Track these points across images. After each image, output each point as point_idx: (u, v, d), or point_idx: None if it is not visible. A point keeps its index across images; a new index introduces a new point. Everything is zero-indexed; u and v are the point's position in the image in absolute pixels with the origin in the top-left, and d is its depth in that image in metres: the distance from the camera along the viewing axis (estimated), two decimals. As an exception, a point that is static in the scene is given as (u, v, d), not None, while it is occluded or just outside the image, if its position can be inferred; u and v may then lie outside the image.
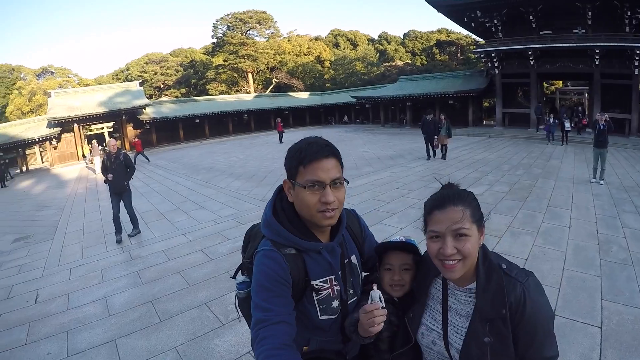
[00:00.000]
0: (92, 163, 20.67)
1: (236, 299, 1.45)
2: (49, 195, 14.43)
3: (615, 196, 7.83)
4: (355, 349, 1.43)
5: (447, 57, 51.28)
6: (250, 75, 49.90)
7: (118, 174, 7.06)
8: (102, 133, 28.40)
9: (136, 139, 24.27)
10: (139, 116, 28.44)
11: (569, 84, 31.47)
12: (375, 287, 1.18)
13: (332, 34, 62.40)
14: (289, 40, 54.40)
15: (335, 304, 1.32)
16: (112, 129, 29.11)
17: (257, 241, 1.37)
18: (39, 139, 24.69)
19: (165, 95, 51.48)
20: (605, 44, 17.91)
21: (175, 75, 54.31)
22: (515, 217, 6.53)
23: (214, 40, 52.31)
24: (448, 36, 52.70)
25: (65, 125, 25.28)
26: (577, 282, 4.10)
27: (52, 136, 25.01)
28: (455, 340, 1.17)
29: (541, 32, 21.01)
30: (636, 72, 17.58)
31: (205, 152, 23.95)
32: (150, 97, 44.90)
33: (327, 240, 1.34)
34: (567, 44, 19.24)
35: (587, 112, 21.75)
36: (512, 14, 21.40)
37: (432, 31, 55.39)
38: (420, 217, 1.23)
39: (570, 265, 4.55)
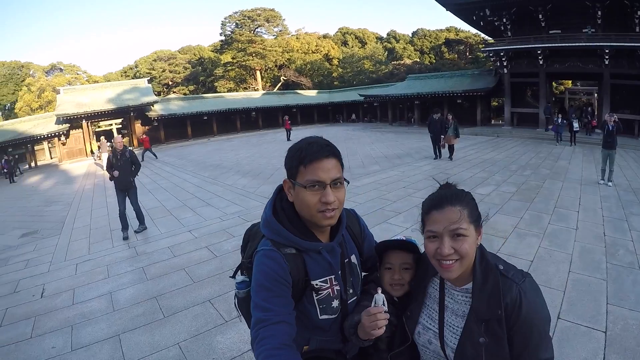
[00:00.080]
0: (100, 159, 20.84)
1: (235, 299, 1.45)
2: (57, 191, 14.59)
3: (623, 198, 7.74)
4: (355, 348, 1.42)
5: (456, 55, 51.04)
6: (258, 72, 49.93)
7: (124, 170, 7.10)
8: (111, 129, 28.62)
9: (144, 136, 24.43)
10: (147, 113, 28.63)
11: (578, 83, 31.15)
12: (379, 291, 1.18)
13: (340, 32, 62.23)
14: (297, 38, 54.39)
15: (335, 303, 1.33)
16: (120, 126, 29.34)
17: (256, 241, 1.37)
18: (47, 135, 24.95)
19: (174, 92, 51.80)
20: (615, 44, 17.69)
21: (184, 72, 54.59)
22: (521, 218, 6.48)
23: (222, 37, 52.36)
24: (457, 35, 52.42)
25: (73, 121, 25.50)
26: (582, 286, 4.06)
27: (61, 132, 25.26)
28: (450, 339, 1.18)
29: (550, 32, 20.80)
30: (646, 72, 17.37)
31: (212, 149, 24.03)
32: (158, 94, 45.23)
33: (327, 240, 1.34)
34: (577, 44, 19.04)
35: (596, 113, 21.50)
36: (521, 12, 21.21)
37: (441, 29, 55.11)
38: (419, 217, 1.23)
39: (576, 267, 4.50)
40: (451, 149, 13.26)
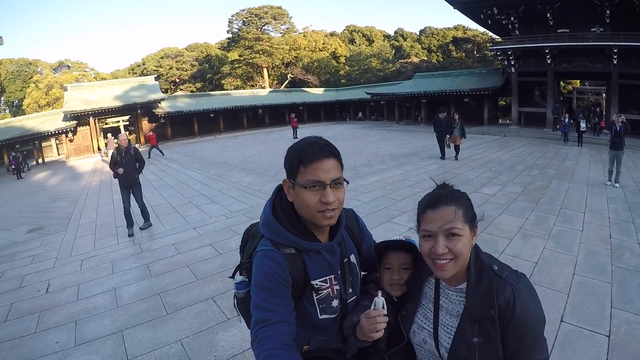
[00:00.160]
0: (107, 156, 21.00)
1: (235, 299, 1.46)
2: (64, 187, 14.73)
3: (630, 200, 7.65)
4: (355, 347, 1.43)
5: (464, 54, 50.81)
6: (265, 70, 49.95)
7: (128, 168, 7.14)
8: (118, 126, 28.78)
9: (151, 133, 24.56)
10: (154, 110, 28.74)
11: (586, 83, 30.82)
12: (379, 294, 1.18)
13: (347, 29, 62.05)
14: (304, 36, 54.38)
15: (335, 303, 1.33)
16: (127, 123, 29.49)
17: (255, 241, 1.37)
18: (55, 131, 25.20)
19: (181, 89, 51.97)
20: (624, 44, 17.45)
21: (191, 70, 54.72)
22: (527, 219, 6.44)
23: (230, 35, 52.47)
24: (464, 33, 52.15)
25: (81, 118, 25.68)
26: (586, 288, 4.02)
27: (68, 129, 25.46)
28: (444, 339, 1.18)
29: (558, 30, 20.58)
30: (656, 72, 17.16)
31: (219, 146, 24.11)
32: (165, 91, 45.40)
33: (326, 240, 1.35)
34: (585, 43, 18.82)
35: (604, 113, 21.28)
36: (528, 11, 21.01)
37: (449, 28, 54.89)
38: (414, 216, 1.24)
39: (580, 270, 4.46)
40: (457, 148, 13.16)
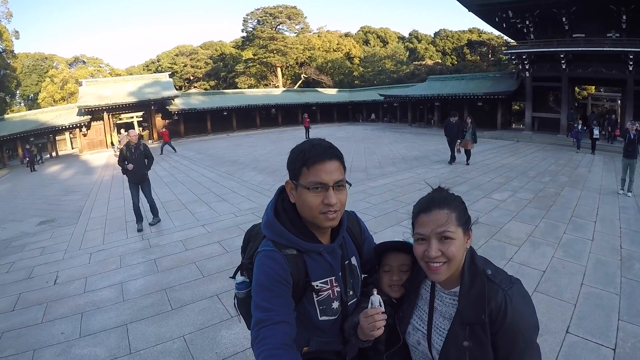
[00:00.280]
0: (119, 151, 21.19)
1: (235, 299, 1.46)
2: (76, 181, 14.93)
3: (643, 210, 7.51)
4: (355, 349, 1.43)
5: (478, 57, 50.40)
6: (279, 69, 50.00)
7: (138, 163, 7.20)
8: (132, 122, 29.10)
9: (164, 129, 24.78)
10: (167, 107, 28.94)
11: (602, 89, 30.33)
12: (375, 292, 1.19)
13: (362, 30, 61.89)
14: (318, 36, 54.34)
15: (335, 305, 1.34)
16: (141, 119, 29.80)
17: (257, 241, 1.38)
18: (69, 126, 25.53)
19: (195, 87, 52.38)
20: (640, 50, 17.17)
21: (205, 67, 55.12)
22: (536, 226, 6.35)
23: (244, 34, 52.63)
24: (479, 36, 51.78)
25: (95, 113, 25.99)
26: (594, 299, 3.95)
27: (82, 124, 25.82)
28: (436, 341, 1.19)
29: (574, 35, 20.27)
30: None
31: (231, 144, 24.21)
32: (179, 88, 45.83)
33: (327, 242, 1.35)
34: (601, 49, 18.50)
35: (618, 120, 20.91)
36: (544, 15, 20.74)
37: (464, 31, 54.53)
38: (409, 220, 1.25)
39: (589, 280, 4.39)
40: (468, 153, 13.02)
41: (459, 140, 12.85)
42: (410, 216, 1.27)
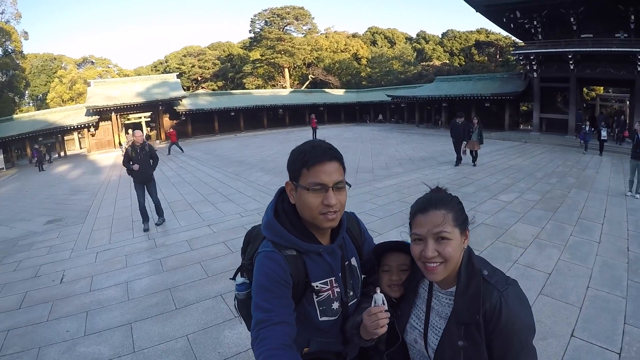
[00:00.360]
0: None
1: (235, 300, 1.47)
2: (84, 181, 15.07)
3: (651, 212, 7.41)
4: (355, 350, 1.43)
5: (486, 58, 50.20)
6: (286, 70, 50.10)
7: (144, 164, 7.24)
8: (140, 122, 29.30)
9: (171, 130, 24.90)
10: (175, 107, 29.10)
11: (610, 90, 30.01)
12: (378, 290, 1.20)
13: (369, 31, 61.81)
14: (326, 37, 54.41)
15: (336, 305, 1.34)
16: (149, 119, 30.00)
17: (257, 243, 1.39)
18: (77, 126, 25.80)
19: (202, 87, 52.66)
20: (650, 50, 16.96)
21: (213, 68, 55.39)
22: (543, 228, 6.30)
23: (252, 35, 52.82)
24: (487, 37, 51.53)
25: (103, 113, 26.21)
26: (600, 302, 3.91)
27: (90, 124, 26.08)
28: (432, 340, 1.20)
29: (582, 35, 20.08)
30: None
31: (238, 145, 24.28)
32: (187, 89, 46.10)
33: (327, 243, 1.36)
34: (609, 49, 18.31)
35: (627, 121, 20.68)
36: (552, 15, 20.56)
37: (471, 31, 54.30)
38: (407, 221, 1.25)
39: (595, 283, 4.34)
40: (475, 154, 12.89)
41: (465, 142, 12.73)
42: (411, 217, 1.27)
